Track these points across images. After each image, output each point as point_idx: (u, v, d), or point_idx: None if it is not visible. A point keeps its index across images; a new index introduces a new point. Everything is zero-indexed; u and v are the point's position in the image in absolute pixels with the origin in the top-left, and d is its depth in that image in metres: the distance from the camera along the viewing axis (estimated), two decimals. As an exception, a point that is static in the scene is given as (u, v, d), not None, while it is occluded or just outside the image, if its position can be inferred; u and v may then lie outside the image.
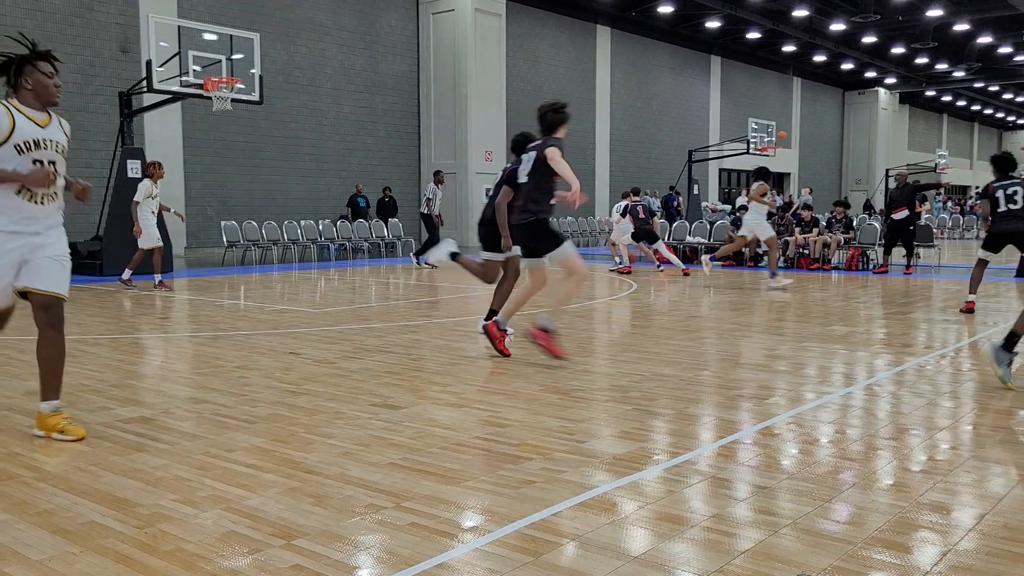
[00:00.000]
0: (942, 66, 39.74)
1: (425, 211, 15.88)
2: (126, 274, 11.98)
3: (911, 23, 30.95)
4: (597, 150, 29.68)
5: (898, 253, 15.00)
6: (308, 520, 3.10)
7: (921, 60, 38.60)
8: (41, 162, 4.10)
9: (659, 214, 21.29)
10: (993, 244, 9.04)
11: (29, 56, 4.16)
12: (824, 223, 16.34)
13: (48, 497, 3.36)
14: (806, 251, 15.90)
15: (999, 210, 8.80)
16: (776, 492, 3.42)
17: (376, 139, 23.08)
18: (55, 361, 4.28)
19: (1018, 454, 4.00)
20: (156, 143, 17.78)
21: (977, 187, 54.41)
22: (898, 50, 36.19)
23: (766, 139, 26.47)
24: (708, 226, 18.18)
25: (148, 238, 11.52)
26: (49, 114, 4.23)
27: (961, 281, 11.16)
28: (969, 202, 39.34)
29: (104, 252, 13.98)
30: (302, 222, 19.24)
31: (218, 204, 19.45)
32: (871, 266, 15.47)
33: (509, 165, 6.95)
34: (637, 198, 15.68)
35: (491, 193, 7.42)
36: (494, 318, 6.66)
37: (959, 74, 40.51)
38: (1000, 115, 59.11)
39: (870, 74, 41.87)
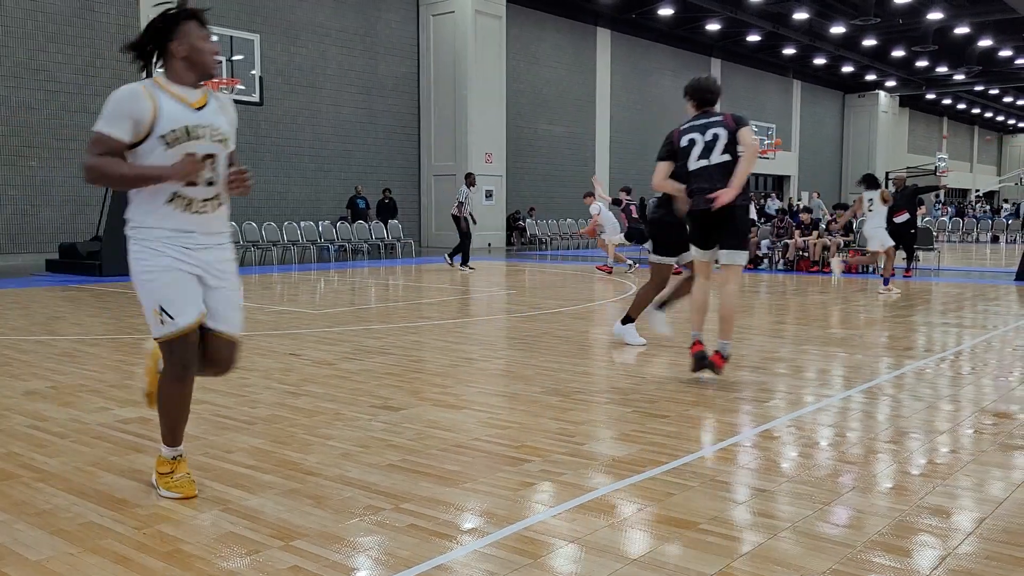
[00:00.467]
0: (942, 69, 39.79)
1: (456, 213, 15.80)
2: None
3: (912, 26, 30.99)
4: (597, 152, 29.70)
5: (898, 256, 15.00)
6: (307, 521, 3.09)
7: (921, 63, 38.66)
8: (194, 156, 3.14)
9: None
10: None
11: (180, 14, 3.20)
12: (824, 226, 16.34)
13: (47, 497, 3.35)
14: (806, 254, 15.90)
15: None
16: (776, 495, 3.41)
17: (376, 140, 23.09)
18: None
19: (1018, 458, 4.00)
20: (156, 144, 17.76)
21: (978, 190, 54.50)
22: (898, 53, 36.25)
23: (766, 142, 26.49)
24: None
25: None
26: (205, 93, 3.27)
27: (961, 284, 11.15)
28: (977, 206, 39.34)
29: (104, 253, 13.97)
30: (302, 223, 19.24)
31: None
32: (872, 269, 15.48)
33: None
34: (629, 197, 15.65)
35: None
36: (716, 351, 5.51)
37: (959, 77, 40.54)
38: (1000, 118, 59.18)
39: (870, 77, 41.92)
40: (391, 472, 3.67)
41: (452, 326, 8.49)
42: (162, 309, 3.16)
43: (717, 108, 5.75)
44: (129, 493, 3.40)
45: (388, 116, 23.32)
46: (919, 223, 15.56)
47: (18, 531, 3.00)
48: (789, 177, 40.55)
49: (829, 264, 14.76)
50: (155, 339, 3.28)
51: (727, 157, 5.45)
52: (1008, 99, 51.62)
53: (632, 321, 7.11)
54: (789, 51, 35.48)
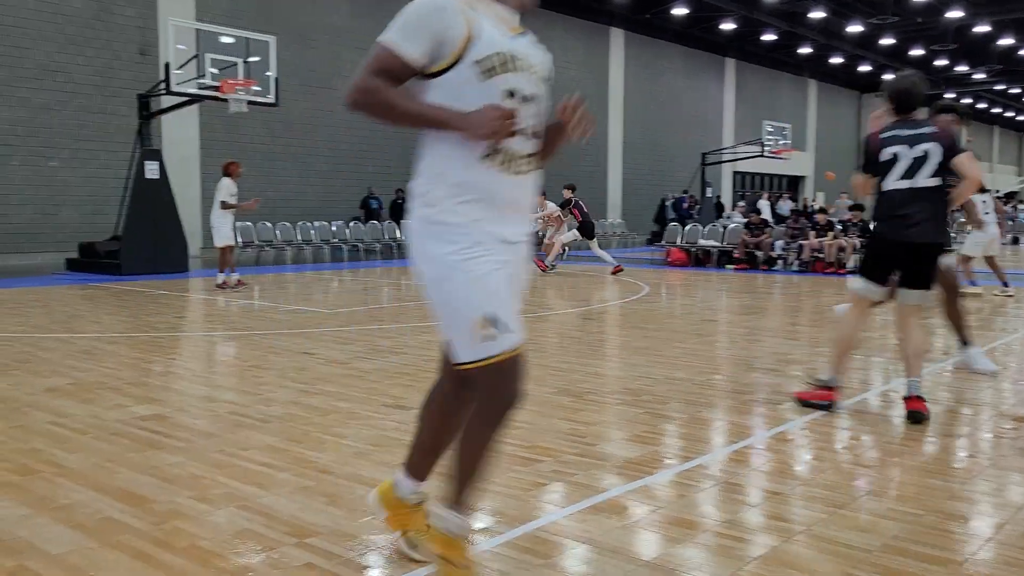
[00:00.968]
0: (962, 68, 39.44)
1: None
2: (219, 278, 11.59)
3: (930, 24, 30.75)
4: (610, 152, 29.66)
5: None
6: (321, 519, 3.12)
7: (940, 62, 38.31)
8: (515, 96, 2.38)
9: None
10: None
11: None
12: (839, 227, 16.26)
13: (67, 492, 3.40)
14: (821, 255, 15.83)
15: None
16: (789, 498, 3.41)
17: (389, 141, 23.14)
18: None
19: (1033, 461, 3.97)
20: (174, 145, 17.91)
21: (998, 191, 53.97)
22: (917, 52, 35.95)
23: (780, 142, 26.37)
24: (722, 229, 18.11)
25: (223, 236, 11.44)
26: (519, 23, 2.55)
27: (984, 287, 11.06)
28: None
29: (123, 252, 14.09)
30: (316, 223, 19.32)
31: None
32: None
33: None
34: (574, 194, 15.39)
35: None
36: (915, 396, 4.61)
37: (979, 76, 40.19)
38: (1021, 118, 58.59)
39: (888, 76, 41.49)
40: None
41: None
42: (492, 319, 2.32)
43: (921, 115, 4.80)
44: (147, 489, 3.44)
45: (403, 116, 23.37)
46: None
47: (39, 525, 3.04)
48: (804, 178, 40.35)
49: (845, 267, 14.67)
50: (468, 363, 2.37)
51: (936, 181, 4.54)
52: (1028, 98, 51.08)
53: (969, 344, 6.08)
54: (805, 50, 35.27)
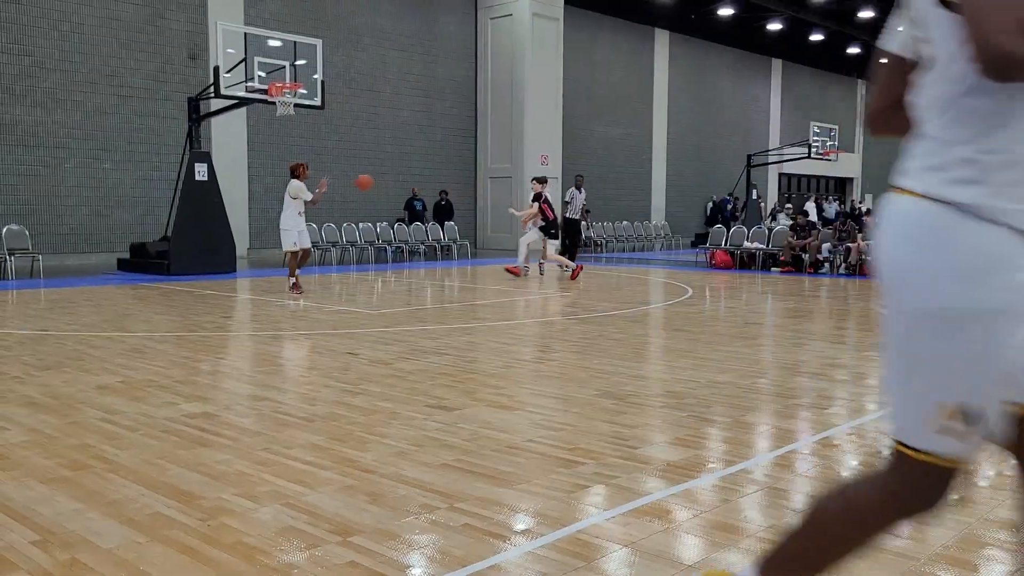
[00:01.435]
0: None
1: (566, 214, 15.68)
2: (290, 280, 11.29)
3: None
4: (654, 154, 29.48)
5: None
6: (364, 518, 3.15)
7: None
8: None
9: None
10: None
11: None
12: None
13: (117, 488, 3.48)
14: (869, 258, 15.54)
15: None
16: (834, 503, 3.35)
17: (433, 142, 23.30)
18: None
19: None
20: (222, 147, 18.24)
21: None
22: (969, 51, 35.12)
23: (828, 143, 25.95)
24: (767, 231, 17.88)
25: (292, 240, 11.20)
26: None
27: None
28: None
29: (172, 252, 14.38)
30: (360, 224, 19.51)
31: (280, 206, 19.81)
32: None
33: None
34: (544, 187, 14.35)
35: None
36: None
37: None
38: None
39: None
40: (446, 471, 3.72)
41: (506, 327, 8.53)
42: (969, 411, 1.67)
43: None
44: (194, 486, 3.50)
45: (445, 119, 23.51)
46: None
47: (90, 519, 3.12)
48: (852, 179, 39.68)
49: None
50: (911, 449, 1.76)
51: None
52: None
53: None
54: (854, 51, 34.71)
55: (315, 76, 14.55)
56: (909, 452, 1.75)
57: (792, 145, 27.14)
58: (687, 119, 30.53)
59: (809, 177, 37.43)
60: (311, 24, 19.72)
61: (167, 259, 14.40)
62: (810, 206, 25.12)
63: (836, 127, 27.08)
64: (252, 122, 19.04)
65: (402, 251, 19.76)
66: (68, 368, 6.08)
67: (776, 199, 33.91)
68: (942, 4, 1.61)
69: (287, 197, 11.30)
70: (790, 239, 16.47)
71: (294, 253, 11.31)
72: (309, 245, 11.50)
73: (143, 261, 15.01)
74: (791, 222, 18.24)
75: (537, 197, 14.25)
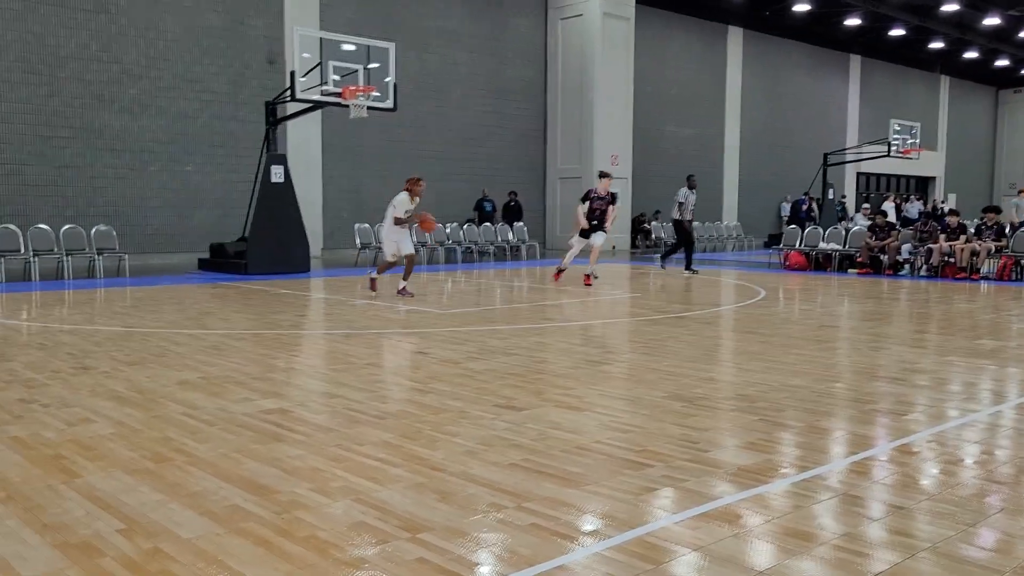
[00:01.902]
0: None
1: (677, 216, 15.42)
2: (400, 284, 11.14)
3: (1076, 15, 28.66)
4: (726, 153, 29.02)
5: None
6: (433, 515, 3.19)
7: (1087, 55, 35.64)
8: None
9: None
10: None
11: None
12: (973, 230, 15.36)
13: (197, 480, 3.60)
14: (952, 259, 15.00)
15: None
16: (914, 513, 3.26)
17: (503, 144, 23.39)
18: None
19: None
20: (297, 150, 18.67)
21: None
22: (1060, 45, 33.56)
23: (909, 141, 25.12)
24: (843, 232, 17.41)
25: (392, 249, 11.09)
26: None
27: None
28: None
29: (249, 252, 14.78)
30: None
31: (352, 207, 20.22)
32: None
33: None
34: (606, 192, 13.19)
35: None
36: None
37: None
38: None
39: (1028, 70, 39.02)
40: (514, 471, 3.73)
41: (575, 328, 8.51)
42: None
43: None
44: (270, 479, 3.60)
45: (515, 119, 23.58)
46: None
47: (172, 510, 3.23)
48: (934, 179, 38.33)
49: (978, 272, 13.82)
50: None
51: None
52: None
53: None
54: (936, 45, 33.52)
55: (387, 79, 14.76)
56: None
57: (871, 143, 26.36)
58: (760, 118, 29.96)
59: (889, 176, 36.31)
60: (383, 28, 20.02)
61: (244, 259, 14.81)
62: (888, 206, 24.35)
63: (917, 124, 26.19)
64: (326, 125, 19.44)
65: (471, 252, 19.90)
66: (152, 364, 6.31)
67: (854, 199, 33.00)
68: None
69: (390, 207, 11.12)
70: (868, 240, 16.01)
71: (389, 263, 11.30)
72: (410, 251, 11.27)
73: (222, 261, 15.46)
74: (869, 222, 17.72)
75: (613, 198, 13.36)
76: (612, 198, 13.19)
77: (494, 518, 3.16)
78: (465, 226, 20.39)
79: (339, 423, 4.59)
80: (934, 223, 16.33)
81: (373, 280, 11.50)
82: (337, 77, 14.24)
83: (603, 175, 13.38)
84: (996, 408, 5.07)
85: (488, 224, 20.86)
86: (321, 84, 14.18)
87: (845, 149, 28.93)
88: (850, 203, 31.78)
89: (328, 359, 6.80)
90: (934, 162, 37.30)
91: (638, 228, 25.10)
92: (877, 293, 12.39)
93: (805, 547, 2.91)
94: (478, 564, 2.79)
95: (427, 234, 11.10)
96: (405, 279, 11.25)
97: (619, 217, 23.99)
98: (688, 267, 15.35)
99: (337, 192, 20.05)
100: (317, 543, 2.92)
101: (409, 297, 10.98)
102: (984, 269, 14.94)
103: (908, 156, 25.30)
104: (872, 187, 35.68)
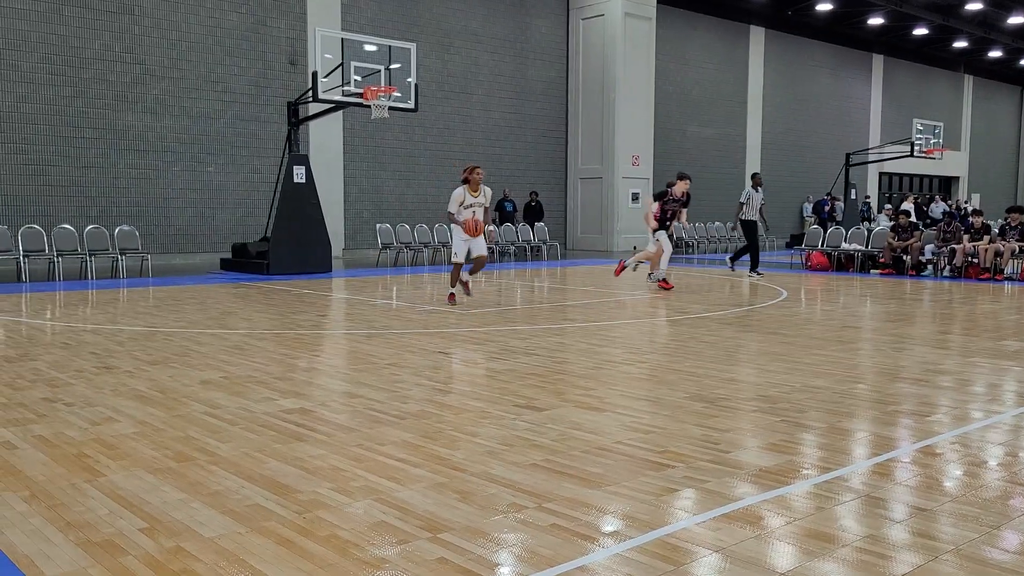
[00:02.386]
0: None
1: (742, 216, 15.20)
2: (465, 276, 10.40)
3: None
4: (748, 153, 28.86)
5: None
6: (453, 515, 3.19)
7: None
8: None
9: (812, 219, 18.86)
10: None
11: None
12: (997, 230, 15.18)
13: (219, 479, 3.63)
14: (975, 260, 14.83)
15: None
16: (937, 515, 3.23)
17: (524, 144, 23.40)
18: None
19: None
20: (319, 150, 18.78)
21: None
22: (1088, 43, 33.10)
23: (932, 141, 24.87)
24: (866, 232, 17.26)
25: (455, 251, 10.20)
26: None
27: None
28: None
29: (271, 252, 14.88)
30: (451, 225, 19.73)
31: (373, 208, 20.32)
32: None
33: None
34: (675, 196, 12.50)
35: None
36: None
37: None
38: None
39: (1055, 69, 38.52)
40: (534, 471, 3.73)
41: (596, 328, 8.50)
42: None
43: None
44: (291, 479, 3.62)
45: (536, 120, 23.59)
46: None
47: (194, 509, 3.26)
48: (957, 178, 37.91)
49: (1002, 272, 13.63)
50: None
51: None
52: None
53: None
54: (960, 44, 33.16)
55: (409, 79, 14.81)
56: None
57: (894, 143, 26.13)
58: (783, 118, 29.77)
59: (912, 176, 35.96)
60: (405, 28, 20.10)
61: (266, 259, 14.91)
62: (907, 206, 24.10)
63: (941, 124, 25.93)
64: (348, 125, 19.54)
65: (493, 252, 19.91)
66: (175, 363, 6.37)
67: (877, 199, 32.70)
68: None
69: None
70: (890, 240, 15.86)
71: (457, 264, 10.26)
72: (481, 253, 10.19)
73: (244, 261, 15.58)
74: (892, 223, 17.56)
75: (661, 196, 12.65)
76: (687, 199, 12.69)
77: (515, 518, 3.16)
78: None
79: (360, 423, 4.61)
80: (957, 223, 16.15)
81: (466, 284, 10.39)
82: (359, 78, 14.31)
83: (682, 176, 12.81)
84: (1020, 409, 5.00)
85: (509, 224, 20.88)
86: (343, 85, 14.25)
87: (868, 149, 28.70)
88: (872, 203, 31.48)
89: (349, 359, 6.83)
90: (958, 162, 36.90)
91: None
92: (900, 294, 12.27)
93: (827, 549, 2.88)
94: (498, 564, 2.79)
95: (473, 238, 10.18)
96: (472, 274, 10.52)
97: (640, 218, 24.01)
98: (753, 269, 14.94)
99: (359, 192, 20.15)
100: (338, 543, 2.94)
101: (466, 295, 10.37)
102: (1008, 270, 14.76)
103: (931, 156, 25.05)
104: (895, 187, 35.34)
